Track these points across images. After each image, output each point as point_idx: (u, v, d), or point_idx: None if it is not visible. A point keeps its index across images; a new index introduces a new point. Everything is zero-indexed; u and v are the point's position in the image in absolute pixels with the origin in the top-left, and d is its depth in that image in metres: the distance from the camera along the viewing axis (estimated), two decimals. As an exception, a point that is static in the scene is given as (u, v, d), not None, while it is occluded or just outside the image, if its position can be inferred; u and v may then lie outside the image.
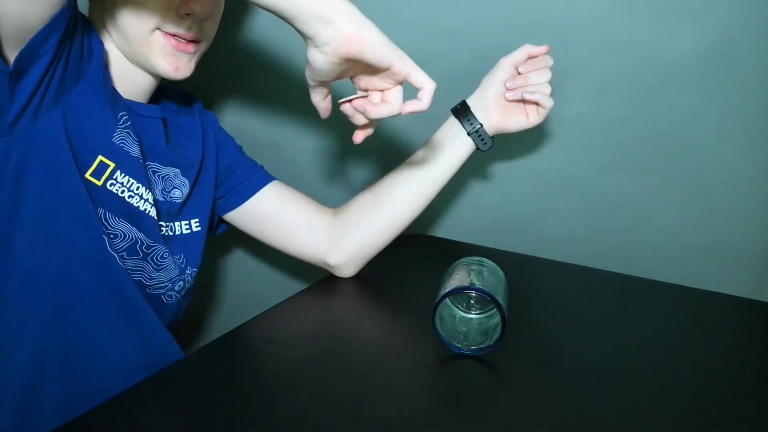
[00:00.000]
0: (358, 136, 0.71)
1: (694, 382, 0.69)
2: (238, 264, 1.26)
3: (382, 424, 0.60)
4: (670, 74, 0.92)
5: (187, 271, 0.85)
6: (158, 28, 0.72)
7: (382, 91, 0.66)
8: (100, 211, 0.72)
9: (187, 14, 0.72)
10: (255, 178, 0.91)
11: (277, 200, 0.91)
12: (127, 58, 0.75)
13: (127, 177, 0.74)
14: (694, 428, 0.62)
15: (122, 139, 0.73)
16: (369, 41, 0.59)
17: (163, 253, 0.80)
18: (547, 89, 0.84)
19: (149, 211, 0.77)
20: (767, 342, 0.80)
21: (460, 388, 0.67)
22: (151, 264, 0.79)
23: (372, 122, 0.70)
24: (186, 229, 0.86)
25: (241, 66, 1.05)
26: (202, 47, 0.77)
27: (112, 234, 0.74)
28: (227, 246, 1.25)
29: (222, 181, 0.90)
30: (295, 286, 1.21)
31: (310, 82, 0.65)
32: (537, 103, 0.85)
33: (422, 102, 0.64)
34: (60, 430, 0.59)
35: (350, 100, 0.68)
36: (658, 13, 0.89)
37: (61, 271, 0.71)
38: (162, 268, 0.81)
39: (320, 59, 0.60)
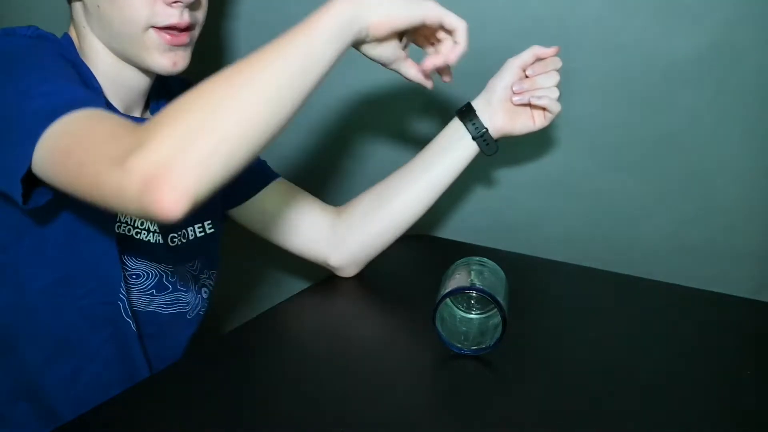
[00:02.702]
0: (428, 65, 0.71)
1: (694, 382, 0.69)
2: (238, 264, 1.26)
3: (382, 424, 0.60)
4: (670, 74, 0.92)
5: (204, 276, 0.86)
6: (151, 26, 0.70)
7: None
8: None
9: (175, 2, 0.70)
10: (259, 176, 0.91)
11: (280, 198, 0.91)
12: (121, 58, 0.74)
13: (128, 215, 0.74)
14: (694, 428, 0.62)
15: None
16: (392, 14, 0.62)
17: (181, 273, 0.82)
18: (555, 93, 0.81)
19: (158, 240, 0.78)
20: (767, 342, 0.80)
21: (460, 388, 0.67)
22: (181, 290, 0.81)
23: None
24: (200, 232, 0.86)
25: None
26: (195, 33, 0.75)
27: (135, 275, 0.75)
28: (227, 246, 1.25)
29: None
30: (295, 286, 1.20)
31: (393, 68, 0.71)
32: (544, 108, 0.83)
33: (459, 45, 0.67)
34: (60, 430, 0.59)
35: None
36: (659, 13, 0.89)
37: (76, 333, 0.72)
38: (188, 290, 0.83)
39: (371, 48, 0.66)
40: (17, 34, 0.69)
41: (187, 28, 0.73)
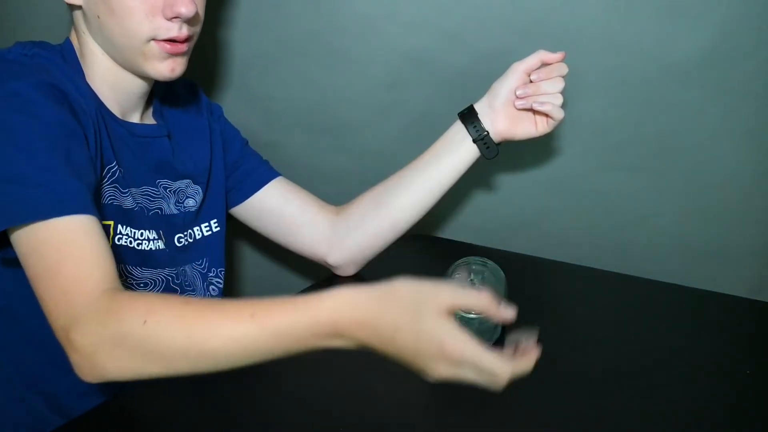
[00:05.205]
0: None
1: (694, 382, 0.69)
2: (237, 264, 1.26)
3: (382, 424, 0.60)
4: (670, 74, 0.92)
5: (211, 274, 0.86)
6: (152, 39, 0.71)
7: None
8: (121, 267, 0.73)
9: (175, 17, 0.70)
10: (260, 174, 0.91)
11: (281, 197, 0.91)
12: (119, 64, 0.74)
13: (127, 228, 0.74)
14: (695, 428, 0.62)
15: (110, 195, 0.73)
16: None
17: (188, 273, 0.82)
18: (559, 100, 0.81)
19: (158, 247, 0.78)
20: (767, 342, 0.80)
21: (460, 388, 0.67)
22: (189, 290, 0.81)
23: None
24: (207, 231, 0.86)
25: (242, 63, 1.05)
26: (193, 41, 0.76)
27: (142, 284, 0.75)
28: (227, 246, 1.25)
29: (228, 176, 0.90)
30: (295, 286, 1.21)
31: None
32: (547, 114, 0.82)
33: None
34: (60, 429, 0.59)
35: None
36: (659, 13, 0.89)
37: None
38: (196, 288, 0.83)
39: None
40: (5, 59, 0.68)
41: (186, 39, 0.73)
